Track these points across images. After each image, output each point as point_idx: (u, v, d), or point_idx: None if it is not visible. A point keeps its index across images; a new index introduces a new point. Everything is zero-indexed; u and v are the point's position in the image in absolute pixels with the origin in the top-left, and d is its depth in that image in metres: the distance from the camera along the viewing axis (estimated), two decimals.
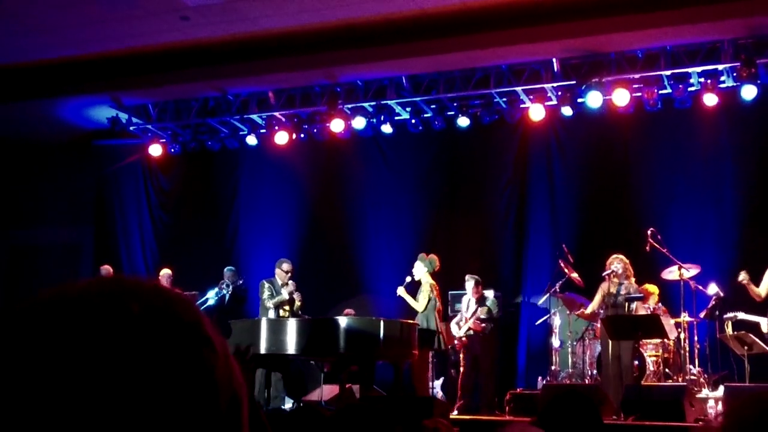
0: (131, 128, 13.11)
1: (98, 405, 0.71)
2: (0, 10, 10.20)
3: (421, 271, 10.36)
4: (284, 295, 10.42)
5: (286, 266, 10.64)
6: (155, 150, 13.40)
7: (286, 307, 10.45)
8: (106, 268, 12.34)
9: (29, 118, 13.16)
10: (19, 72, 11.99)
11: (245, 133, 12.85)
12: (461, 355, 10.64)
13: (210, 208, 13.87)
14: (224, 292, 11.01)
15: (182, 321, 0.78)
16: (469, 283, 10.74)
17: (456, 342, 10.70)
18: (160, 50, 11.35)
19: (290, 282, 10.57)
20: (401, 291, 10.36)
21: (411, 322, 9.80)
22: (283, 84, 12.14)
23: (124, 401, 0.72)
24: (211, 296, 11.01)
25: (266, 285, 10.48)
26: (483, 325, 10.60)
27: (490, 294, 11.01)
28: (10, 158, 14.64)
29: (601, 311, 9.66)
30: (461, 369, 10.56)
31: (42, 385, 0.71)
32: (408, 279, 10.38)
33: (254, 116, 12.62)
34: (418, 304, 10.20)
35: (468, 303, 10.78)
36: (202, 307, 10.84)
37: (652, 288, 9.99)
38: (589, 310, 9.88)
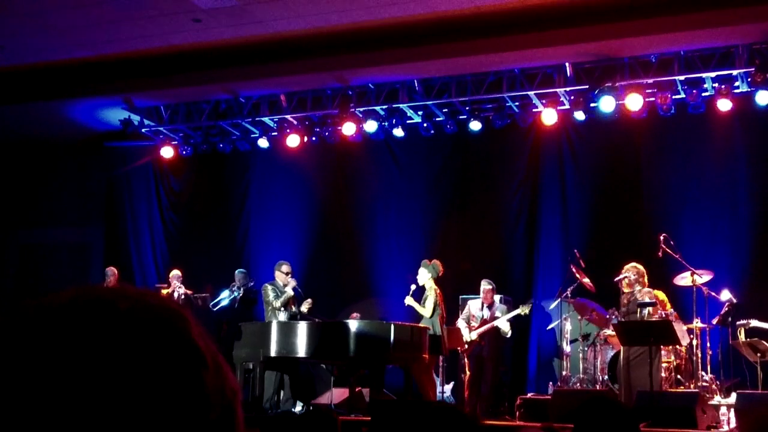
0: (143, 130, 13.13)
1: (82, 417, 0.70)
2: (12, 10, 10.23)
3: (425, 276, 10.34)
4: (289, 291, 10.43)
5: (285, 268, 10.66)
6: (167, 152, 13.42)
7: (293, 307, 10.46)
8: (112, 270, 12.37)
9: (42, 118, 13.20)
10: (31, 73, 12.02)
11: (256, 135, 12.85)
12: (466, 360, 10.59)
13: (221, 210, 13.88)
14: (235, 294, 11.01)
15: (169, 332, 0.77)
16: (488, 287, 10.67)
17: (467, 346, 10.64)
18: (172, 52, 11.36)
19: (291, 279, 10.57)
20: (409, 300, 10.33)
21: (421, 326, 9.77)
22: (294, 87, 12.14)
23: (109, 414, 0.71)
24: (222, 298, 11.02)
25: (269, 288, 10.49)
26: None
27: (497, 298, 10.99)
28: (23, 158, 14.69)
29: (614, 317, 9.60)
30: (467, 373, 10.52)
31: (29, 399, 0.71)
32: (413, 287, 10.36)
33: (266, 119, 12.63)
34: (425, 309, 10.17)
35: (482, 307, 10.72)
36: (215, 309, 10.86)
37: (661, 294, 9.91)
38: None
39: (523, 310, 10.62)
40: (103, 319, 0.75)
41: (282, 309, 10.36)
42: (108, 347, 0.73)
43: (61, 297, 0.78)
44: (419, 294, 10.44)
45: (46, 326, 0.74)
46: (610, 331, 9.90)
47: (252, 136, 12.95)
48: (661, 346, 9.37)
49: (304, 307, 10.50)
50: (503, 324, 10.53)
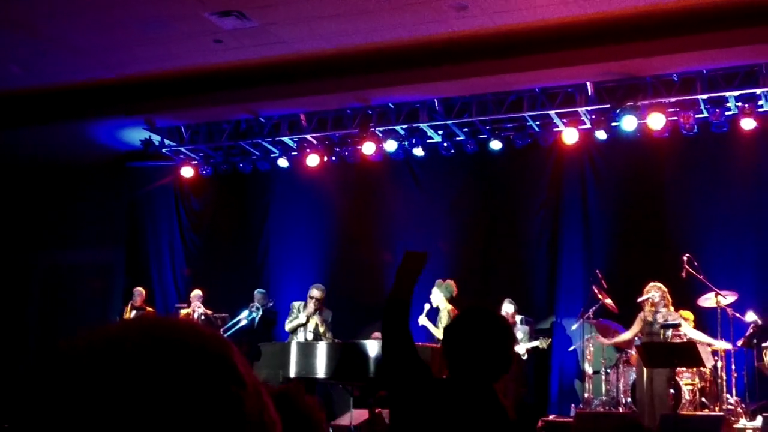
0: (164, 150, 13.18)
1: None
2: (35, 32, 10.32)
3: (438, 297, 10.27)
4: (301, 318, 10.32)
5: (314, 292, 10.50)
6: (187, 172, 13.47)
7: (320, 327, 10.32)
8: (139, 290, 12.40)
9: (63, 140, 13.29)
10: (53, 94, 12.11)
11: (277, 155, 12.87)
12: None
13: (241, 230, 13.89)
14: (254, 314, 10.97)
15: (211, 357, 0.81)
16: (510, 307, 10.57)
17: None
18: (193, 73, 11.41)
19: (311, 306, 10.41)
20: (423, 320, 10.26)
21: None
22: (315, 107, 12.15)
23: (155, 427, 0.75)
24: (241, 319, 10.98)
25: (295, 307, 10.44)
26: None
27: (518, 319, 10.87)
28: (45, 180, 14.79)
29: (637, 339, 9.49)
30: None
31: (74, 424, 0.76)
32: (427, 306, 10.29)
33: (286, 139, 12.64)
34: (439, 331, 10.10)
35: None
36: (233, 329, 10.82)
37: (687, 314, 9.80)
38: (627, 336, 9.67)
39: (542, 343, 10.50)
40: (145, 352, 0.80)
41: (295, 331, 10.28)
42: (149, 378, 0.78)
43: (106, 331, 0.83)
44: (435, 314, 10.36)
45: (92, 361, 0.80)
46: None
47: (272, 155, 12.96)
48: (685, 368, 9.26)
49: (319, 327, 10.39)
50: (520, 350, 10.44)
